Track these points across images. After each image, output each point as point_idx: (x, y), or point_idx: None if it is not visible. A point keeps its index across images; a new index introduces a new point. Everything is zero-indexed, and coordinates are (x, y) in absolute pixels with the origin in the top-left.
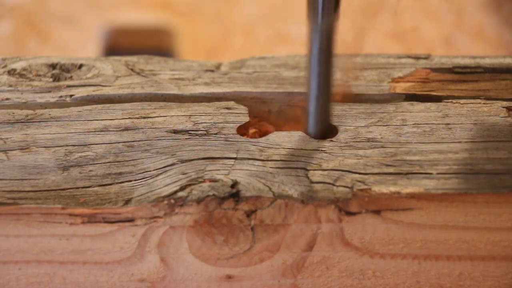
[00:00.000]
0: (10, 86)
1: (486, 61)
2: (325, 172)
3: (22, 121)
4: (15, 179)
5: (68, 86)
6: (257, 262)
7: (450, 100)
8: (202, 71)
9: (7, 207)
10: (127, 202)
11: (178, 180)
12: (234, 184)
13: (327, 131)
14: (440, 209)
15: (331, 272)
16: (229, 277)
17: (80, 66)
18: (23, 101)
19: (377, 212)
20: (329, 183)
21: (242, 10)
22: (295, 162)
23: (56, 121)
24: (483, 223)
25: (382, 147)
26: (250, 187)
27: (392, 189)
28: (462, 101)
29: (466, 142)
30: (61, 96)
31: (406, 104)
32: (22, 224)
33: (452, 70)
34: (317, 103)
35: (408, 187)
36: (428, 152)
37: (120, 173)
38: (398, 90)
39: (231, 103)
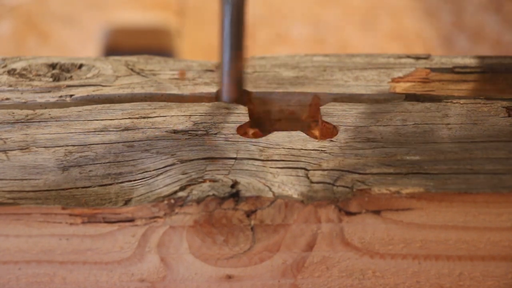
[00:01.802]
0: (10, 86)
1: (486, 61)
2: (325, 172)
3: (22, 121)
4: (15, 179)
5: (68, 86)
6: (257, 262)
7: (450, 100)
8: (202, 71)
9: (7, 207)
10: (127, 202)
11: (178, 180)
12: (234, 184)
13: (240, 97)
14: (440, 209)
15: (331, 272)
16: (229, 277)
17: (80, 66)
18: (23, 101)
19: (377, 212)
20: (329, 183)
21: None
22: (295, 162)
23: (56, 121)
24: (483, 223)
25: (382, 147)
26: (250, 187)
27: (392, 189)
28: (462, 101)
29: (466, 142)
30: (61, 96)
31: (406, 104)
32: (22, 224)
33: (452, 70)
34: (230, 73)
35: (408, 187)
36: (428, 152)
37: (120, 173)
38: (398, 90)
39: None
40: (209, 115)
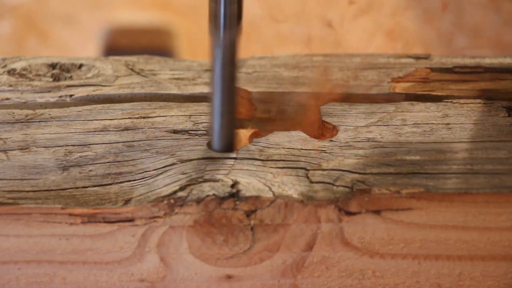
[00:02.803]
0: (10, 86)
1: (486, 61)
2: (325, 172)
3: (22, 121)
4: (15, 179)
5: (68, 86)
6: (257, 262)
7: (450, 100)
8: (202, 71)
9: (7, 207)
10: (127, 202)
11: (178, 180)
12: (234, 184)
13: (231, 146)
14: (440, 209)
15: (330, 272)
16: (229, 277)
17: (80, 66)
18: (23, 101)
19: (377, 212)
20: (329, 183)
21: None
22: (295, 162)
23: (56, 121)
24: (483, 223)
25: (382, 147)
26: (250, 187)
27: (392, 189)
28: (462, 101)
29: (466, 142)
30: (61, 96)
31: (406, 104)
32: (22, 224)
33: (452, 70)
34: (221, 119)
35: (408, 187)
36: (428, 152)
37: (120, 173)
38: (398, 90)
39: None
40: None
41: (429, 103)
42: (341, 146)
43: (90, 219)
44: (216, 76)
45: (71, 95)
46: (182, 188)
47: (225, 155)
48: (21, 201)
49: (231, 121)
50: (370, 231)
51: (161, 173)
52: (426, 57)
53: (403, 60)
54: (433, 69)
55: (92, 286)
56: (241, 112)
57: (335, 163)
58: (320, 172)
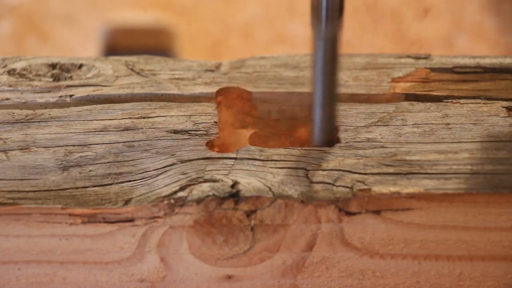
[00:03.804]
0: (10, 86)
1: (486, 61)
2: (325, 172)
3: (22, 121)
4: (15, 179)
5: (68, 86)
6: (257, 262)
7: (450, 100)
8: (202, 71)
9: (7, 207)
10: (127, 202)
11: (178, 180)
12: (234, 184)
13: (332, 139)
14: (440, 209)
15: (331, 272)
16: (229, 277)
17: (80, 66)
18: (23, 101)
19: (377, 212)
20: (329, 183)
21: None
22: (295, 162)
23: (56, 121)
24: (483, 223)
25: (382, 147)
26: (250, 187)
27: (392, 189)
28: (462, 101)
29: (466, 142)
30: (61, 96)
31: (406, 104)
32: (22, 224)
33: (452, 70)
34: (322, 112)
35: (408, 187)
36: (428, 152)
37: (120, 173)
38: (398, 90)
39: None
40: (209, 115)
41: (429, 103)
42: (341, 146)
43: (90, 219)
44: (317, 69)
45: (71, 95)
46: (182, 188)
47: (225, 155)
48: (21, 201)
49: (332, 114)
50: (370, 231)
51: (161, 173)
52: (426, 57)
53: (403, 60)
54: (433, 69)
55: (92, 286)
56: (241, 112)
57: (335, 163)
58: (320, 172)
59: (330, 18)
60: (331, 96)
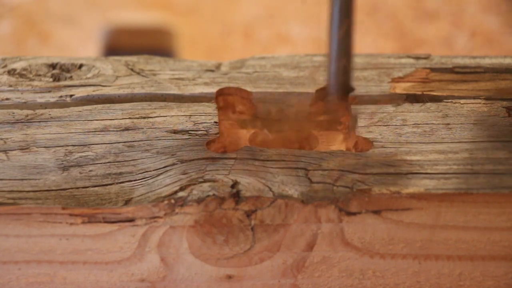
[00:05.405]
0: (10, 86)
1: (486, 61)
2: (325, 172)
3: (22, 121)
4: (15, 179)
5: (68, 86)
6: (257, 262)
7: (450, 100)
8: (202, 71)
9: (7, 207)
10: (127, 202)
11: (178, 180)
12: (234, 184)
13: (347, 90)
14: (440, 209)
15: (331, 272)
16: (229, 277)
17: (80, 66)
18: (23, 101)
19: (377, 212)
20: (329, 183)
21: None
22: (295, 162)
23: (56, 121)
24: (483, 223)
25: (382, 147)
26: (250, 187)
27: (392, 189)
28: (462, 101)
29: (466, 142)
30: (61, 96)
31: (406, 104)
32: (22, 224)
33: (452, 70)
34: (338, 64)
35: (408, 187)
36: (428, 152)
37: (120, 173)
38: (398, 90)
39: None
40: (209, 115)
41: (429, 103)
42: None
43: (91, 219)
44: (334, 22)
45: (71, 95)
46: (182, 188)
47: (225, 155)
48: (21, 201)
49: (347, 65)
50: (370, 231)
51: (161, 173)
52: (426, 57)
53: (403, 60)
54: (433, 69)
55: (92, 286)
56: (241, 112)
57: (335, 163)
58: (320, 172)
59: None
60: (347, 47)
